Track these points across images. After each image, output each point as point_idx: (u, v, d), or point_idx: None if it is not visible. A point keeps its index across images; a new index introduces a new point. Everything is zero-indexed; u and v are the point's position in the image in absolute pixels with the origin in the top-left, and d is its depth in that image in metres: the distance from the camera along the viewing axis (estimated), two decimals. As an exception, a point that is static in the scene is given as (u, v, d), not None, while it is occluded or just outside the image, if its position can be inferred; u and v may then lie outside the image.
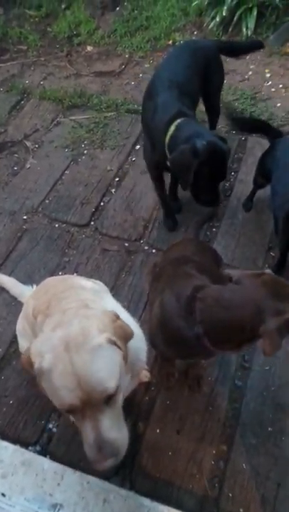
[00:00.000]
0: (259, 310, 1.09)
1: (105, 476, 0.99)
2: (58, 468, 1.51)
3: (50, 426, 1.74)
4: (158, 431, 1.70)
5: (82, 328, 0.95)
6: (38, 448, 1.68)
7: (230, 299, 1.17)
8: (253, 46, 2.71)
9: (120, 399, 0.99)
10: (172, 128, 1.87)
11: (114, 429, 0.94)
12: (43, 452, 1.66)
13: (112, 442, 0.93)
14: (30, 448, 1.66)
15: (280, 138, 2.07)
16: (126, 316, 1.26)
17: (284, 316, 1.06)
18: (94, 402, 0.90)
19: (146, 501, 1.44)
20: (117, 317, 1.08)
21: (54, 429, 1.73)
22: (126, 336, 1.04)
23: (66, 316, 1.01)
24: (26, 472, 1.49)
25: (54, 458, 1.61)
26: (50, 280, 1.54)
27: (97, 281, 1.59)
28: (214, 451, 1.64)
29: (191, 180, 1.82)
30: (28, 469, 1.50)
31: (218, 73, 2.33)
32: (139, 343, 1.26)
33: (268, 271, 1.27)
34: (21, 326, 1.57)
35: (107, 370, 0.93)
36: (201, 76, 2.14)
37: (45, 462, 1.53)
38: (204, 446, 1.65)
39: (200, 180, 1.83)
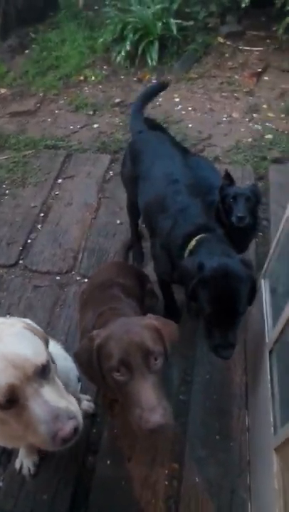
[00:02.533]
0: None
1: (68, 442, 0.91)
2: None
3: (-4, 480, 1.64)
4: (108, 462, 1.66)
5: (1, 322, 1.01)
6: (-16, 506, 1.57)
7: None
8: (159, 88, 2.60)
9: (57, 380, 1.00)
10: (193, 243, 1.58)
11: (61, 399, 0.93)
12: (-12, 511, 1.56)
13: (65, 408, 0.91)
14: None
15: (188, 156, 2.18)
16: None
17: None
18: (30, 377, 0.90)
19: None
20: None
21: (0, 483, 1.64)
22: (44, 336, 1.07)
23: None
24: None
25: (2, 513, 1.51)
26: None
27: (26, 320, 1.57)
28: (166, 471, 1.62)
29: (189, 294, 1.49)
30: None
31: None
32: (64, 362, 1.27)
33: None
34: None
35: (32, 347, 0.95)
36: None
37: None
38: (156, 469, 1.63)
39: (204, 306, 1.45)
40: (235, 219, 1.74)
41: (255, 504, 1.47)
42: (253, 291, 1.48)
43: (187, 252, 1.60)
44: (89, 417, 1.77)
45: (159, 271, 1.88)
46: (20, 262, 2.39)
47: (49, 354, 1.03)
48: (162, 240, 1.74)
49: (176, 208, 1.67)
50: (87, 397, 1.80)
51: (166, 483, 1.60)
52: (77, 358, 1.21)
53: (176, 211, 1.67)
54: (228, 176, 1.82)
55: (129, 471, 1.63)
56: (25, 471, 1.63)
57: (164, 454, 1.67)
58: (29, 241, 2.50)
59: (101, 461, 1.66)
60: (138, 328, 1.11)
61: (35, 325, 1.10)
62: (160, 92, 2.67)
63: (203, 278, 1.42)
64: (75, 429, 0.91)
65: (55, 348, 1.27)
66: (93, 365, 1.11)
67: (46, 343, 1.08)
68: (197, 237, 1.58)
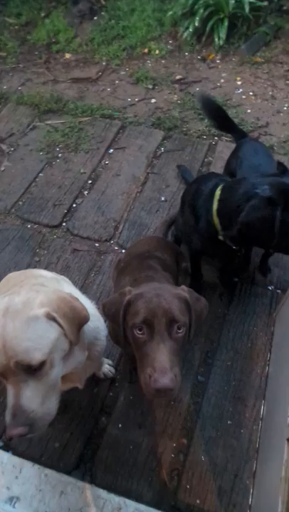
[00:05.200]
0: None
1: (10, 443, 0.95)
2: (16, 461, 1.52)
3: (14, 422, 1.75)
4: (120, 426, 1.72)
5: (27, 298, 0.98)
6: (0, 443, 1.69)
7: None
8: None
9: (53, 376, 0.99)
10: (218, 192, 1.63)
11: (35, 401, 0.94)
12: (5, 448, 1.66)
13: (28, 412, 0.93)
14: (-8, 444, 1.67)
15: (245, 139, 2.13)
16: (84, 300, 1.29)
17: None
18: (15, 369, 0.92)
19: (103, 493, 1.45)
20: (74, 299, 1.09)
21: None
22: (76, 317, 1.04)
23: (19, 288, 1.04)
24: (-15, 466, 1.50)
25: (16, 453, 1.62)
26: (11, 274, 1.56)
27: (62, 276, 1.62)
28: (174, 445, 1.67)
29: (278, 231, 1.45)
30: (-14, 463, 1.50)
31: None
32: (96, 322, 1.29)
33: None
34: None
35: (34, 342, 0.94)
36: None
37: (5, 456, 1.54)
38: (165, 440, 1.68)
39: (274, 227, 1.44)
40: None
41: (257, 491, 1.49)
42: None
43: (216, 202, 1.61)
44: (108, 380, 1.84)
45: (190, 237, 1.85)
46: (64, 224, 2.46)
47: (58, 350, 1.01)
48: (189, 205, 1.79)
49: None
50: (109, 361, 1.87)
51: (173, 455, 1.65)
52: (104, 308, 1.26)
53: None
54: (281, 165, 1.76)
55: (139, 437, 1.69)
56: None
57: (174, 428, 1.71)
58: (74, 205, 2.56)
59: (113, 424, 1.73)
60: (168, 294, 1.13)
61: (80, 308, 1.08)
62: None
63: (284, 205, 1.41)
64: (22, 435, 0.92)
65: (90, 307, 1.30)
66: (118, 319, 1.16)
67: (80, 324, 1.07)
68: (220, 186, 1.63)
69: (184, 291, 1.18)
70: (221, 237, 1.67)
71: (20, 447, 1.67)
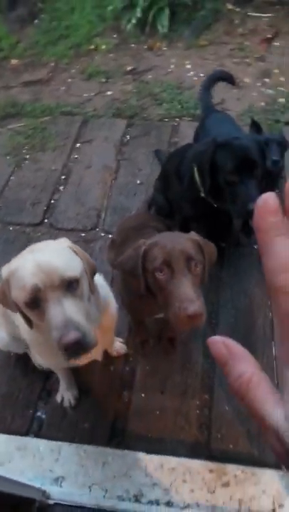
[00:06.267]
0: None
1: (74, 354, 0.99)
2: (53, 445, 1.54)
3: (39, 414, 1.76)
4: (143, 395, 1.78)
5: (46, 243, 1.15)
6: (31, 436, 1.69)
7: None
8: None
9: (86, 303, 1.08)
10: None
11: (79, 316, 1.01)
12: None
13: (78, 322, 0.99)
14: (22, 438, 1.68)
15: (209, 110, 2.25)
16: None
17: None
18: (55, 286, 0.99)
19: (143, 455, 1.51)
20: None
21: (43, 416, 1.76)
22: (88, 261, 1.15)
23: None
24: (23, 456, 1.51)
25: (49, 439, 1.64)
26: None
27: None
28: (198, 402, 1.75)
29: (207, 167, 1.67)
30: (24, 453, 1.52)
31: None
32: (106, 291, 1.39)
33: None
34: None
35: (66, 261, 1.04)
36: None
37: (41, 443, 1.56)
38: (188, 400, 1.75)
39: (226, 165, 1.64)
40: (271, 163, 1.82)
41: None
42: (263, 150, 1.70)
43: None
44: (122, 357, 1.89)
45: (180, 207, 2.01)
46: (46, 221, 2.48)
47: (86, 277, 1.10)
48: (175, 173, 1.96)
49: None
50: (120, 339, 1.92)
51: (198, 412, 1.73)
52: (122, 265, 1.32)
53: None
54: (254, 124, 1.89)
55: (163, 402, 1.75)
56: (66, 403, 1.75)
57: (194, 387, 1.79)
58: (52, 201, 2.58)
59: (136, 395, 1.78)
60: (182, 239, 1.22)
61: (85, 253, 1.20)
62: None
63: (220, 143, 1.65)
64: (79, 341, 0.98)
65: (100, 280, 1.36)
66: (138, 270, 1.22)
67: (92, 271, 1.17)
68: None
69: (194, 235, 1.27)
70: (202, 194, 1.79)
71: (51, 435, 1.69)
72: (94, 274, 1.19)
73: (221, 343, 0.38)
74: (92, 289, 1.12)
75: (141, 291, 1.23)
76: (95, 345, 1.02)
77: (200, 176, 1.76)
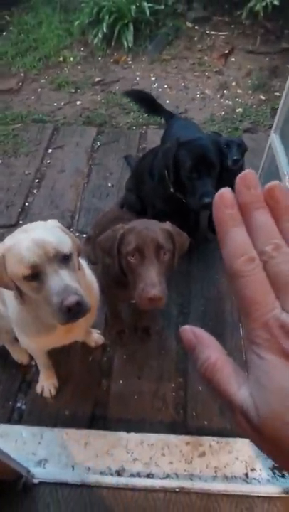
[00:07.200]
0: None
1: (73, 317, 1.08)
2: (35, 430, 1.59)
3: (19, 404, 1.80)
4: (121, 382, 1.86)
5: (35, 223, 1.22)
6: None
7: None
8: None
9: (76, 269, 1.19)
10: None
11: (74, 282, 1.12)
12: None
13: (75, 287, 1.10)
14: (3, 427, 1.71)
15: (174, 118, 2.42)
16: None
17: None
18: (51, 259, 1.09)
19: (124, 434, 1.59)
20: None
21: (23, 407, 1.80)
22: (75, 241, 1.25)
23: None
24: (5, 441, 1.55)
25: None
26: None
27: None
28: (173, 385, 1.85)
29: (171, 164, 1.85)
30: (6, 439, 1.56)
31: None
32: (89, 275, 1.48)
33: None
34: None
35: (58, 237, 1.15)
36: None
37: (22, 429, 1.60)
38: (164, 384, 1.86)
39: (186, 162, 1.82)
40: (231, 162, 2.00)
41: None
42: (221, 151, 1.92)
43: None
44: (99, 348, 1.97)
45: (153, 203, 2.14)
46: (21, 222, 2.53)
47: (75, 253, 1.22)
48: (148, 172, 2.11)
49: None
50: (97, 330, 2.00)
51: (174, 393, 1.83)
52: (101, 244, 1.44)
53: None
54: (215, 132, 2.07)
55: (140, 387, 1.84)
56: (46, 393, 1.80)
57: (169, 371, 1.89)
58: (27, 204, 2.64)
59: (114, 382, 1.86)
60: (155, 227, 1.35)
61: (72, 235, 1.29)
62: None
63: (182, 142, 1.83)
64: (79, 303, 1.08)
65: (83, 262, 1.45)
66: (114, 251, 1.35)
67: (78, 250, 1.28)
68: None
69: (168, 225, 1.39)
70: (172, 190, 1.94)
71: (32, 423, 1.73)
72: (79, 253, 1.29)
73: (190, 332, 0.40)
74: (79, 266, 1.22)
75: (116, 271, 1.34)
76: (90, 309, 1.13)
77: (167, 172, 1.91)
